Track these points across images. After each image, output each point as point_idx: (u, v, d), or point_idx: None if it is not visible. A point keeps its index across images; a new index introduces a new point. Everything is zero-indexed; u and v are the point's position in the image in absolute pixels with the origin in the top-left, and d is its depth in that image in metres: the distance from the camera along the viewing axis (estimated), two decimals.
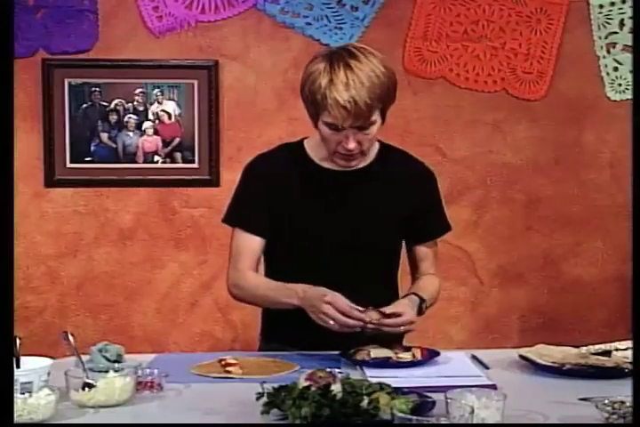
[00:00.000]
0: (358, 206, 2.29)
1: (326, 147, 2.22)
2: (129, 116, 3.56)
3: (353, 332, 2.08)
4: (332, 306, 2.06)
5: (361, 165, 2.30)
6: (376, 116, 2.15)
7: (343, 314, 2.05)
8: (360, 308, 2.08)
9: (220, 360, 2.08)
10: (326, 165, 2.29)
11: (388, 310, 2.11)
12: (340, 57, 2.12)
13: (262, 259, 2.36)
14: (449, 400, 1.53)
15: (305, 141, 2.35)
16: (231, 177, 2.40)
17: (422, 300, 2.24)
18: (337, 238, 2.26)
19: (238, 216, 2.34)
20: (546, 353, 2.08)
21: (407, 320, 2.11)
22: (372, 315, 2.08)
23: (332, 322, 2.06)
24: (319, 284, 2.15)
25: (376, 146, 2.35)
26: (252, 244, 2.31)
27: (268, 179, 2.31)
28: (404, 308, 2.14)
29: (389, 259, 2.38)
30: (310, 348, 2.18)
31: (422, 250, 2.40)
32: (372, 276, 2.30)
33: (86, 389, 1.74)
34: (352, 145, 2.15)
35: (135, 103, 3.55)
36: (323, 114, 2.12)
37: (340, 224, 2.27)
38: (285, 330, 2.30)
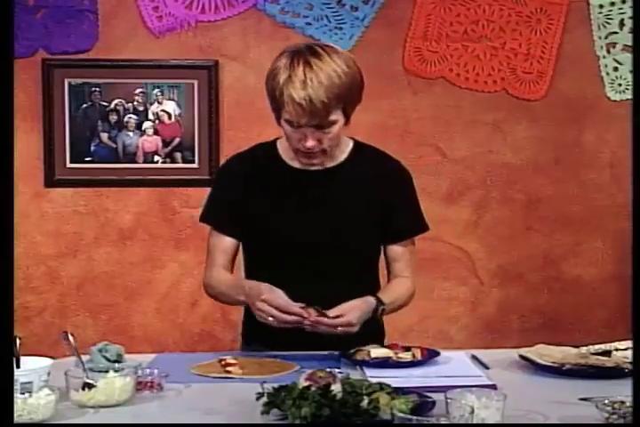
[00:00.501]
0: (328, 206, 2.27)
1: (289, 144, 2.22)
2: (129, 116, 3.56)
3: (295, 328, 2.07)
4: (266, 303, 2.07)
5: (331, 164, 2.29)
6: (337, 116, 2.12)
7: (280, 310, 2.05)
8: (298, 304, 2.07)
9: (220, 360, 2.08)
10: (297, 164, 2.28)
11: (331, 312, 2.09)
12: (301, 54, 2.11)
13: (242, 258, 2.37)
14: (449, 400, 1.53)
15: (278, 141, 2.34)
16: None
17: (381, 303, 2.21)
18: (308, 238, 2.25)
19: (211, 216, 2.37)
20: (546, 353, 2.08)
21: (344, 322, 2.08)
22: (312, 312, 2.07)
23: (270, 318, 2.07)
24: (295, 284, 2.16)
25: (349, 144, 2.34)
26: (224, 244, 2.33)
27: (240, 179, 2.31)
28: (347, 309, 2.11)
29: (365, 258, 2.35)
30: (290, 348, 2.16)
31: (396, 250, 2.36)
32: (349, 275, 2.28)
33: (86, 389, 1.74)
34: (310, 143, 2.14)
35: (135, 103, 3.55)
36: (282, 111, 2.12)
37: (310, 224, 2.26)
38: (265, 331, 2.28)
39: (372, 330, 2.27)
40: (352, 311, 2.11)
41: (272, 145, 2.35)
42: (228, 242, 2.33)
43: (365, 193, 2.30)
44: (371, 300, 2.20)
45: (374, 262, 2.37)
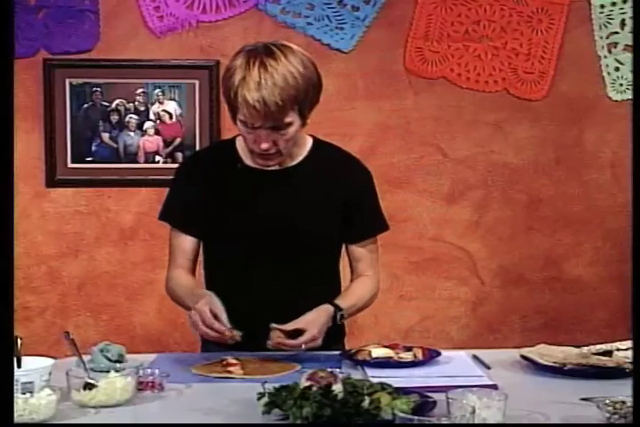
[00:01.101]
0: (287, 206, 2.25)
1: (246, 145, 2.20)
2: (130, 116, 3.56)
3: (221, 342, 2.08)
4: (198, 314, 2.06)
5: (290, 164, 2.27)
6: (292, 118, 2.10)
7: (204, 323, 2.05)
8: (226, 323, 2.05)
9: (222, 360, 2.08)
10: (255, 164, 2.26)
11: (289, 327, 2.08)
12: (257, 55, 2.07)
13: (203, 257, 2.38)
14: (450, 400, 1.53)
15: (237, 139, 2.32)
16: None
17: (339, 309, 2.19)
18: (266, 239, 2.24)
19: (170, 215, 2.36)
20: (547, 353, 2.08)
21: (308, 339, 2.07)
22: (236, 335, 2.06)
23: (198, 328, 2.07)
24: (254, 284, 2.19)
25: (309, 143, 2.31)
26: (183, 244, 2.33)
27: (197, 178, 2.31)
28: (306, 324, 2.10)
29: (325, 257, 2.33)
30: (248, 349, 2.14)
31: (357, 250, 2.34)
32: (309, 275, 2.27)
33: (87, 389, 1.75)
34: (265, 145, 2.12)
35: (136, 103, 3.55)
36: (237, 111, 2.10)
37: (268, 224, 2.24)
38: None
39: (332, 332, 2.25)
40: (313, 325, 2.10)
41: (231, 144, 2.33)
42: (187, 241, 2.32)
43: (324, 192, 2.27)
44: (328, 308, 2.18)
45: (335, 262, 2.35)
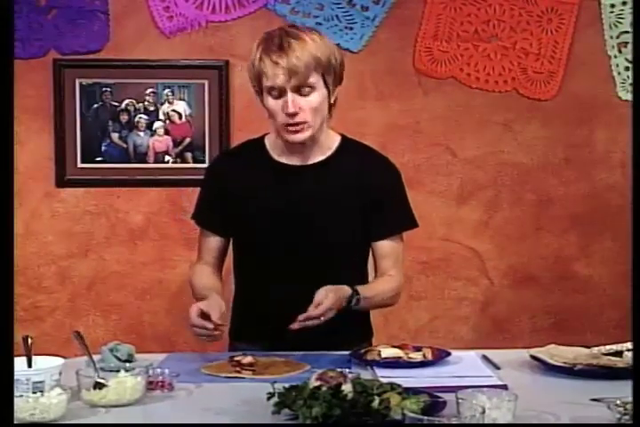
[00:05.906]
0: (315, 201, 2.27)
1: (274, 122, 2.21)
2: (140, 116, 3.56)
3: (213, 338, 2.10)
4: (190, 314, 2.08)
5: (318, 159, 2.29)
6: (315, 79, 2.13)
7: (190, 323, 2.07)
8: (216, 320, 2.06)
9: (231, 360, 2.08)
10: (284, 160, 2.29)
11: (313, 310, 2.07)
12: (279, 29, 2.18)
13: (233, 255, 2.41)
14: (460, 400, 1.53)
15: (266, 137, 2.35)
16: None
17: (356, 293, 2.18)
18: (294, 235, 2.25)
19: (198, 215, 2.41)
20: (557, 353, 2.07)
21: (324, 309, 2.05)
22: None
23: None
24: (280, 282, 2.23)
25: (337, 140, 2.34)
26: (210, 242, 2.37)
27: (226, 178, 2.33)
28: (326, 293, 2.09)
29: (353, 255, 2.34)
30: (277, 346, 2.17)
31: (382, 247, 2.34)
32: (336, 272, 2.27)
33: (97, 388, 1.75)
34: (291, 109, 2.13)
35: (146, 103, 3.56)
36: (263, 81, 2.13)
37: (297, 220, 2.26)
38: (252, 328, 2.30)
39: (359, 330, 2.31)
40: (328, 297, 2.08)
41: (260, 141, 2.36)
42: (214, 240, 2.36)
43: (353, 188, 2.29)
44: (347, 289, 2.18)
45: (363, 260, 2.37)
